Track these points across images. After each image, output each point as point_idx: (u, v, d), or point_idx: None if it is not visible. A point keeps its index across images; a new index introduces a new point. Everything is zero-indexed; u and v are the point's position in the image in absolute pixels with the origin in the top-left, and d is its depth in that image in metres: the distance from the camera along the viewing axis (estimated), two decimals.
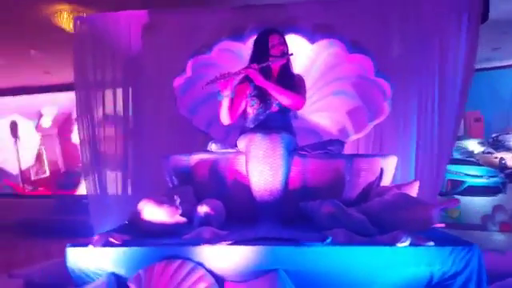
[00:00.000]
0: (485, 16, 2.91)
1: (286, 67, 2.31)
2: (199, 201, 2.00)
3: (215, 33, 2.69)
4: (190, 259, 1.67)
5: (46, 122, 7.28)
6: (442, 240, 1.68)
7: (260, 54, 2.24)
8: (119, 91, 3.59)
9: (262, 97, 2.24)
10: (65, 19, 4.32)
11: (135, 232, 1.91)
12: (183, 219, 1.85)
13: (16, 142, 7.32)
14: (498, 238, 4.32)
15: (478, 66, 6.05)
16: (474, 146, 7.31)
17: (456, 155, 7.03)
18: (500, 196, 6.02)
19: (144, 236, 1.86)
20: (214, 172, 2.18)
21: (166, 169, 2.47)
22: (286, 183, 2.01)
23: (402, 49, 2.98)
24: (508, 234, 4.38)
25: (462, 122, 7.17)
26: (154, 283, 1.60)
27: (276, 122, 2.20)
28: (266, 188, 1.96)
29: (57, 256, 2.36)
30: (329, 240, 1.62)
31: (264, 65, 2.17)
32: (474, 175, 6.28)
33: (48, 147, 7.21)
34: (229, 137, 2.76)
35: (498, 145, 7.12)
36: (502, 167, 6.69)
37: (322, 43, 2.44)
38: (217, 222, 1.91)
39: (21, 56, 5.33)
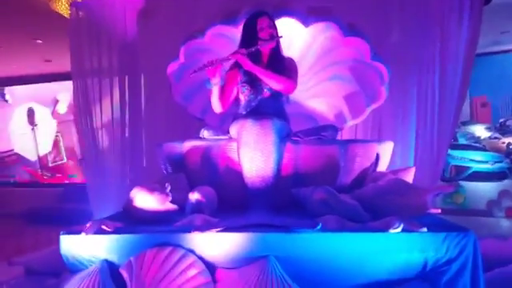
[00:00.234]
0: None
1: (276, 51, 2.25)
2: (192, 188, 1.99)
3: (211, 18, 2.64)
4: (180, 246, 1.66)
5: (62, 108, 7.35)
6: (436, 226, 1.64)
7: (249, 38, 2.19)
8: (116, 78, 3.58)
9: (253, 83, 2.20)
10: (63, 5, 4.29)
11: (129, 219, 1.91)
12: (174, 206, 1.84)
13: (33, 129, 7.41)
14: (504, 224, 4.28)
15: (485, 50, 5.99)
16: (480, 131, 7.20)
17: (462, 141, 6.95)
18: (506, 181, 5.95)
19: (137, 223, 1.85)
20: (207, 159, 2.16)
21: (159, 156, 2.46)
22: (278, 170, 1.98)
23: (401, 33, 2.92)
24: None
25: (468, 107, 7.08)
26: (145, 270, 1.60)
27: (268, 108, 2.16)
28: (257, 175, 1.94)
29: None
30: (319, 226, 1.60)
31: (252, 49, 2.12)
32: (479, 161, 6.20)
33: (65, 133, 7.28)
34: (224, 124, 2.72)
35: (505, 130, 7.01)
36: (509, 152, 6.58)
37: (318, 26, 2.37)
38: (209, 209, 1.90)
39: (23, 44, 5.37)
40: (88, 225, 1.77)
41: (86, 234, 1.72)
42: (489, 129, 7.13)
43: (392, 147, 2.31)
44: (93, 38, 3.52)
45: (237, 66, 2.20)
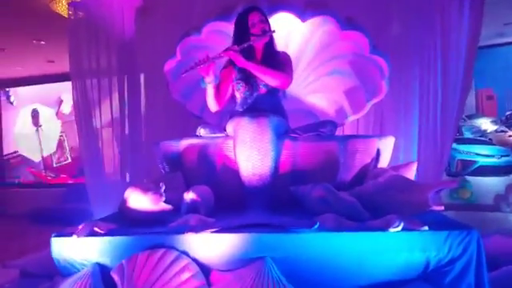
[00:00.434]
0: None
1: (270, 45, 2.20)
2: (189, 187, 1.95)
3: (209, 15, 2.59)
4: (174, 248, 1.62)
5: (67, 108, 7.31)
6: (438, 224, 1.58)
7: (241, 34, 2.13)
8: (115, 77, 3.56)
9: (248, 79, 2.15)
10: (63, 6, 4.27)
11: (124, 220, 1.88)
12: (168, 207, 1.80)
13: (38, 130, 7.43)
14: None
15: (489, 42, 5.89)
16: (486, 124, 7.09)
17: (468, 134, 6.84)
18: None
19: (132, 224, 1.82)
20: (203, 157, 2.12)
21: (157, 155, 2.42)
22: (276, 167, 1.94)
23: (401, 26, 2.87)
24: None
25: (474, 100, 6.97)
26: (137, 273, 1.56)
27: (265, 104, 2.11)
28: (254, 173, 1.89)
29: None
30: (316, 226, 1.54)
31: (245, 45, 2.06)
32: (485, 155, 6.08)
33: (69, 134, 7.26)
34: (223, 121, 2.67)
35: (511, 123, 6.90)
36: None
37: (316, 21, 2.31)
38: (205, 209, 1.85)
39: (25, 45, 5.36)
40: (80, 227, 1.73)
41: (78, 236, 1.68)
42: (495, 122, 7.01)
43: (393, 142, 2.24)
44: (91, 37, 3.51)
45: (231, 63, 2.15)
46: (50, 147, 7.39)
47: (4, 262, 2.41)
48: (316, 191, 1.77)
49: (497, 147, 6.27)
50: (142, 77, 3.54)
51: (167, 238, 1.64)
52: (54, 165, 7.38)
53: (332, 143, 2.03)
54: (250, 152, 1.88)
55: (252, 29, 2.12)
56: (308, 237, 1.55)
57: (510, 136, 6.68)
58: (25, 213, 5.99)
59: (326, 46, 2.45)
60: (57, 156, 7.38)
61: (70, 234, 1.72)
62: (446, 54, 2.80)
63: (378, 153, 2.13)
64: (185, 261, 1.58)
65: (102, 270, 1.66)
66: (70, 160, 7.33)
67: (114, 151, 3.53)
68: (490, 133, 6.91)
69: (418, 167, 2.76)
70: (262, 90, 2.15)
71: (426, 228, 1.51)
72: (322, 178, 1.91)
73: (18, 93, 7.62)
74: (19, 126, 7.53)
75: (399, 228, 1.50)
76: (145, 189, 1.81)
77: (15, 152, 7.61)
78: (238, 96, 2.21)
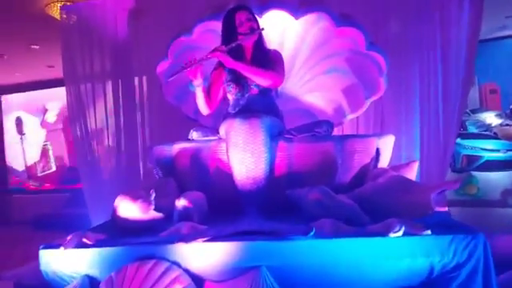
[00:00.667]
0: None
1: (259, 44, 2.12)
2: (182, 192, 1.88)
3: (203, 15, 2.54)
4: (164, 258, 1.55)
5: (51, 116, 7.25)
6: (441, 227, 1.50)
7: (228, 34, 2.07)
8: (109, 81, 3.51)
9: (238, 80, 2.08)
10: (59, 11, 4.23)
11: (114, 229, 1.81)
12: (159, 215, 1.73)
13: (22, 138, 7.35)
14: None
15: (492, 35, 5.79)
16: (491, 118, 6.96)
17: (472, 129, 6.72)
18: None
19: (122, 234, 1.75)
20: (196, 161, 2.05)
21: (150, 160, 2.36)
22: (271, 170, 1.87)
23: (399, 21, 2.79)
24: None
25: (477, 94, 6.85)
26: (126, 285, 1.48)
27: (258, 105, 2.03)
28: (248, 176, 1.82)
29: None
30: (312, 233, 1.47)
31: (233, 45, 2.00)
32: (490, 149, 5.97)
33: (54, 142, 7.20)
34: (218, 123, 2.62)
35: None
36: None
37: (310, 18, 2.25)
38: (198, 216, 1.78)
39: (24, 51, 5.33)
40: (68, 238, 1.66)
41: (65, 248, 1.62)
42: (499, 116, 6.89)
43: (393, 141, 2.16)
44: (84, 41, 3.48)
45: (221, 64, 2.09)
46: (34, 156, 7.28)
47: None
48: (312, 194, 1.69)
49: (502, 141, 6.16)
50: (136, 80, 3.48)
51: (158, 248, 1.57)
52: (39, 173, 7.26)
53: (329, 144, 1.94)
54: (243, 155, 1.81)
55: (240, 28, 2.05)
56: (304, 244, 1.47)
57: None
58: (29, 219, 5.98)
59: (322, 44, 2.38)
60: (41, 165, 7.28)
61: (57, 246, 1.65)
62: (447, 49, 2.72)
63: (378, 152, 2.05)
64: (176, 272, 1.51)
65: (91, 282, 1.61)
66: (54, 169, 7.23)
67: (110, 156, 3.48)
68: (495, 127, 6.79)
69: (421, 164, 2.73)
70: (254, 90, 2.07)
71: (429, 232, 1.43)
72: (319, 180, 1.83)
73: (7, 100, 7.53)
74: (6, 133, 7.45)
75: (400, 233, 1.42)
76: (134, 197, 1.74)
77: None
78: (230, 98, 2.14)
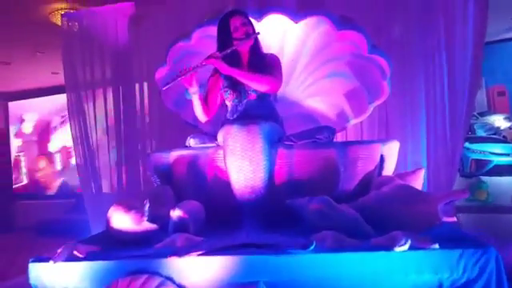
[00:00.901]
0: None
1: (256, 49, 2.06)
2: (179, 201, 1.82)
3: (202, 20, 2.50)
4: (158, 273, 1.47)
5: (28, 127, 7.25)
6: (450, 240, 1.41)
7: (223, 40, 2.02)
8: (110, 87, 3.49)
9: (235, 86, 2.02)
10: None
11: (107, 241, 1.74)
12: (153, 226, 1.66)
13: None
14: None
15: (498, 37, 5.67)
16: (500, 121, 6.79)
17: (480, 132, 6.58)
18: None
19: (115, 245, 1.68)
20: (193, 169, 1.98)
21: (148, 167, 2.30)
22: (270, 179, 1.79)
23: (402, 23, 2.73)
24: None
25: (485, 96, 6.73)
26: None
27: (256, 111, 1.97)
28: (246, 185, 1.75)
29: None
30: (312, 246, 1.39)
31: (228, 51, 1.95)
32: (500, 153, 5.81)
33: (28, 154, 7.17)
34: (218, 130, 2.55)
35: None
36: None
37: (310, 22, 2.17)
38: (194, 226, 1.71)
39: (30, 58, 5.37)
40: (59, 250, 1.60)
41: (55, 261, 1.55)
42: (508, 119, 6.73)
43: (398, 147, 2.08)
44: (85, 48, 3.48)
45: (218, 70, 2.03)
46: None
47: None
48: (313, 204, 1.61)
49: (511, 145, 6.01)
50: (136, 86, 3.45)
51: (150, 262, 1.50)
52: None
53: (331, 150, 1.86)
54: (241, 162, 1.74)
55: (234, 33, 2.00)
56: (304, 258, 1.39)
57: None
58: (32, 225, 5.95)
59: (323, 48, 2.31)
60: (14, 176, 7.25)
61: (47, 259, 1.59)
62: (452, 51, 2.65)
63: (382, 159, 1.97)
64: (170, 287, 1.44)
65: None
66: (26, 181, 7.20)
67: (110, 162, 3.44)
68: (504, 130, 6.64)
69: (428, 170, 2.65)
70: (252, 95, 2.01)
71: (437, 246, 1.34)
72: (321, 189, 1.75)
73: None
74: None
75: (406, 247, 1.34)
76: (127, 207, 1.67)
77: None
78: (228, 104, 2.08)
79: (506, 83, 6.51)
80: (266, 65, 2.00)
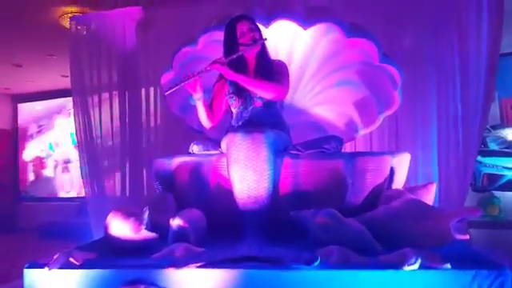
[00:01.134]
0: None
1: (263, 55, 2.01)
2: (180, 210, 1.76)
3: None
4: (154, 284, 1.41)
5: None
6: (463, 260, 1.33)
7: (229, 45, 1.98)
8: (116, 91, 3.47)
9: (240, 93, 1.97)
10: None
11: (105, 248, 1.69)
12: (152, 235, 1.60)
13: None
14: None
15: (511, 50, 5.57)
16: None
17: (493, 146, 6.44)
18: None
19: (113, 253, 1.63)
20: (196, 177, 1.93)
21: (151, 174, 2.25)
22: (274, 189, 1.73)
23: (414, 32, 2.66)
24: None
25: (498, 109, 6.62)
26: None
27: (262, 118, 1.92)
28: (249, 195, 1.68)
29: None
30: (317, 262, 1.32)
31: (234, 56, 1.90)
32: None
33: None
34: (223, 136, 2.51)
35: None
36: None
37: (319, 29, 2.14)
38: (194, 236, 1.65)
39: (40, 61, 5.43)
40: (55, 257, 1.55)
41: (50, 268, 1.50)
42: None
43: (409, 159, 2.01)
44: (93, 51, 3.46)
45: (223, 76, 1.99)
46: None
47: None
48: (319, 218, 1.54)
49: None
50: (143, 91, 3.43)
51: (147, 273, 1.44)
52: None
53: (338, 161, 1.80)
54: (245, 172, 1.68)
55: (241, 38, 1.96)
56: (308, 275, 1.32)
57: None
58: (36, 227, 5.94)
59: (332, 56, 2.27)
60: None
61: (43, 265, 1.54)
62: (466, 62, 2.58)
63: (392, 172, 1.89)
64: None
65: None
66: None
67: (115, 167, 3.41)
68: None
69: (440, 184, 2.57)
70: (258, 102, 1.96)
71: (449, 266, 1.26)
72: (327, 201, 1.69)
73: None
74: None
75: (416, 266, 1.26)
76: (126, 215, 1.62)
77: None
78: (233, 110, 2.03)
79: None
80: (272, 71, 1.95)
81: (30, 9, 3.90)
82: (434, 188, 1.83)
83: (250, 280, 1.36)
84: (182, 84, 1.89)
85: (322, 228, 1.54)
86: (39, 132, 7.56)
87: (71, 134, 7.20)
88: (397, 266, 1.28)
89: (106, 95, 3.45)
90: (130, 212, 1.65)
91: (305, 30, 2.07)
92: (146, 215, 1.60)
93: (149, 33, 3.30)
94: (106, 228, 1.68)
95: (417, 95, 2.60)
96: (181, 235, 1.62)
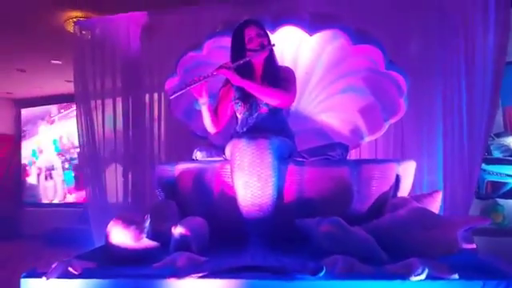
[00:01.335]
0: None
1: (270, 61, 2.00)
2: (184, 216, 1.73)
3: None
4: None
5: None
6: (470, 269, 1.31)
7: (237, 50, 1.96)
8: (120, 97, 3.46)
9: (246, 98, 1.96)
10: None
11: (106, 257, 1.66)
12: (152, 244, 1.58)
13: None
14: None
15: None
16: None
17: (497, 154, 6.40)
18: None
19: (113, 262, 1.60)
20: (199, 184, 1.90)
21: (153, 180, 2.23)
22: (279, 196, 1.70)
23: (420, 39, 2.67)
24: None
25: (501, 117, 6.59)
26: None
27: (267, 125, 1.90)
28: (253, 203, 1.66)
29: None
30: (322, 273, 1.29)
31: (241, 62, 1.89)
32: None
33: None
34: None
35: None
36: None
37: (325, 35, 2.12)
38: (197, 245, 1.62)
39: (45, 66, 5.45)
40: (53, 266, 1.52)
41: (48, 277, 1.47)
42: None
43: (414, 167, 1.98)
44: (96, 56, 3.47)
45: (229, 81, 1.97)
46: None
47: None
48: (324, 226, 1.51)
49: None
50: (147, 96, 3.42)
51: (148, 283, 1.41)
52: None
53: (344, 169, 1.77)
54: (249, 179, 1.65)
55: (249, 44, 1.94)
56: (313, 285, 1.29)
57: None
58: (41, 233, 5.92)
59: (338, 62, 2.26)
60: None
61: (40, 275, 1.51)
62: (472, 70, 2.59)
63: (398, 179, 1.86)
64: None
65: None
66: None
67: (117, 173, 3.40)
68: None
69: (445, 191, 2.55)
70: (263, 109, 1.94)
71: (456, 276, 1.23)
72: (332, 209, 1.66)
73: None
74: None
75: (423, 276, 1.23)
76: (127, 223, 1.59)
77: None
78: (239, 116, 2.02)
79: None
80: (280, 78, 1.94)
81: (34, 13, 3.92)
82: (439, 196, 1.81)
83: None
84: (188, 88, 1.88)
85: (326, 236, 1.51)
86: (23, 137, 7.54)
87: (54, 140, 7.26)
88: (403, 276, 1.25)
89: (109, 100, 3.45)
90: (131, 220, 1.63)
91: (311, 36, 2.06)
92: (147, 223, 1.57)
93: (153, 38, 3.31)
94: (106, 236, 1.66)
95: (422, 102, 2.59)
96: (183, 244, 1.59)
